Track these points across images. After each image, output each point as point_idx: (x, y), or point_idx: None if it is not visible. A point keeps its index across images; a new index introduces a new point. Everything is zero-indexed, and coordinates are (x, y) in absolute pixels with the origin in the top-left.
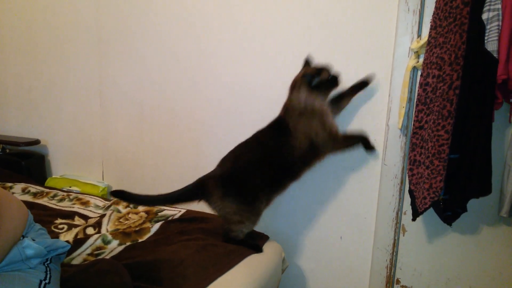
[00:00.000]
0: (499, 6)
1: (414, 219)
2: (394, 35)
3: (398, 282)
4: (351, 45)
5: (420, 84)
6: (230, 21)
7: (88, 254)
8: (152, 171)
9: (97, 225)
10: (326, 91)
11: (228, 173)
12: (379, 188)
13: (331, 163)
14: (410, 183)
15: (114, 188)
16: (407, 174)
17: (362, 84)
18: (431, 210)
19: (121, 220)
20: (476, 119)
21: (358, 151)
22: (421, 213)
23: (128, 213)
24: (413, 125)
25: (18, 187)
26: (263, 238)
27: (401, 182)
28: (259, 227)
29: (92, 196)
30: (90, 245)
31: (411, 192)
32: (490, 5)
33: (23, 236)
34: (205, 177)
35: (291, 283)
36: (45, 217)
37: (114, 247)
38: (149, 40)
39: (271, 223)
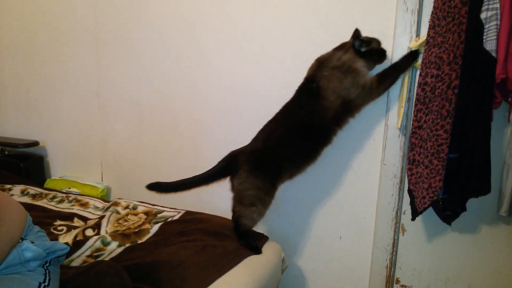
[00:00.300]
0: (497, 5)
1: (413, 219)
2: (393, 35)
3: (397, 281)
4: None
5: (419, 84)
6: (229, 21)
7: (88, 256)
8: (152, 172)
9: (97, 227)
10: (371, 61)
11: (260, 149)
12: (379, 187)
13: (331, 163)
14: (409, 182)
15: (113, 189)
16: (406, 174)
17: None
18: (430, 209)
19: (120, 221)
20: (475, 119)
21: (358, 151)
22: (421, 212)
23: (127, 215)
24: (412, 124)
25: (17, 188)
26: (263, 238)
27: (401, 182)
28: (259, 227)
29: (91, 198)
30: (90, 247)
31: (410, 191)
32: (488, 4)
33: (22, 239)
34: (237, 151)
35: (290, 284)
36: (44, 219)
37: (114, 248)
38: (148, 41)
39: (270, 223)
